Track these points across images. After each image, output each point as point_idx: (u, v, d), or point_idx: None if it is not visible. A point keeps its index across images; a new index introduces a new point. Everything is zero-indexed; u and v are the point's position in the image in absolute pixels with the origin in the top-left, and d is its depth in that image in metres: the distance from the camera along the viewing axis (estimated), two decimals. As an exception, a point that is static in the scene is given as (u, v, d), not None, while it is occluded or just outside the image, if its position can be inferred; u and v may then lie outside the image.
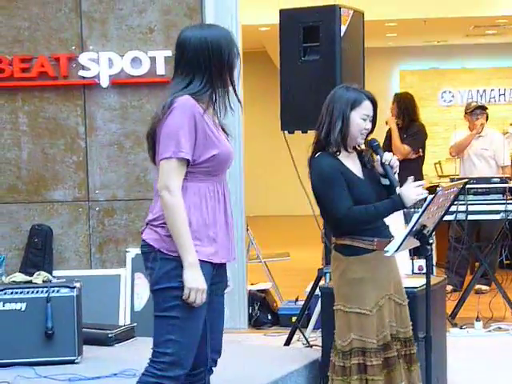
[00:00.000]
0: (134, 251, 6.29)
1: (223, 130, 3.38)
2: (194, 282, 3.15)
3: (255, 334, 6.42)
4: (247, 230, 6.99)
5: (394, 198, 3.92)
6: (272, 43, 6.94)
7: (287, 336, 5.75)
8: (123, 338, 5.56)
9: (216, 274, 3.33)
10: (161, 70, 6.29)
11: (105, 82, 6.33)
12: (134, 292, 6.22)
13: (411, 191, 3.89)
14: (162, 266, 3.21)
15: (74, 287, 5.05)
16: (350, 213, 3.89)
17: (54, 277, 5.45)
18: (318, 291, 5.33)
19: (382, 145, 4.16)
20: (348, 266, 3.99)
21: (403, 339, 4.06)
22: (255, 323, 6.61)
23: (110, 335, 5.45)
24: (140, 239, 6.43)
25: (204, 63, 3.29)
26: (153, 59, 6.30)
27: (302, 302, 5.98)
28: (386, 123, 7.83)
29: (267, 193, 15.09)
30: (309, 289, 5.85)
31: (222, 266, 3.39)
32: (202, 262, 3.21)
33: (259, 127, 13.71)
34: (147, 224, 3.35)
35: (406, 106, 7.95)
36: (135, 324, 5.82)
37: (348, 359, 3.97)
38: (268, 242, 8.80)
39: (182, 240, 3.16)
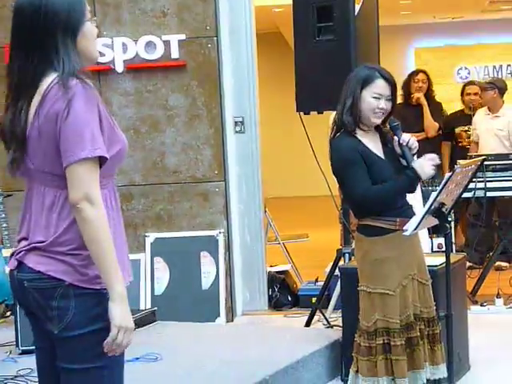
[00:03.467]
0: (152, 236, 6.31)
1: None
2: (123, 319, 2.46)
3: (275, 315, 6.43)
4: (265, 211, 6.99)
5: (408, 173, 3.91)
6: (286, 24, 6.91)
7: (307, 317, 5.76)
8: (144, 322, 5.59)
9: None
10: (175, 53, 6.29)
11: (119, 68, 6.34)
12: (154, 276, 6.24)
13: (425, 164, 3.90)
14: (79, 304, 2.48)
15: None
16: (368, 193, 3.89)
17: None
18: (337, 271, 5.33)
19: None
20: (371, 247, 3.99)
21: (427, 319, 4.05)
22: (275, 305, 6.62)
23: (131, 320, 5.47)
24: (160, 223, 6.44)
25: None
26: (167, 43, 6.29)
27: (322, 283, 5.99)
28: (418, 99, 7.89)
29: (284, 174, 15.05)
30: (328, 269, 5.85)
31: None
32: None
33: (275, 109, 13.66)
34: (35, 248, 2.53)
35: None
36: (155, 308, 5.84)
37: (373, 340, 3.97)
38: (286, 223, 8.79)
39: (109, 264, 2.45)
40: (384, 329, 3.96)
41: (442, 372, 4.07)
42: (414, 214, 3.99)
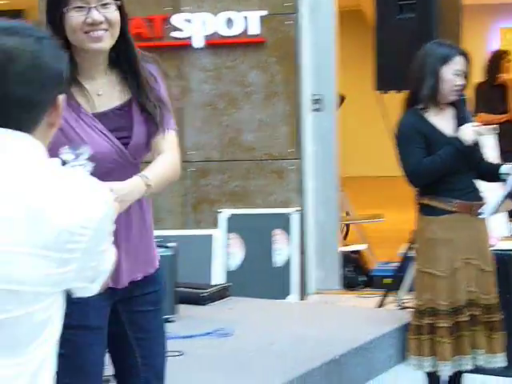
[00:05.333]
0: (227, 212, 6.34)
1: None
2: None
3: (348, 295, 6.41)
4: (341, 190, 6.96)
5: (452, 140, 3.90)
6: (368, 1, 6.83)
7: (380, 298, 5.72)
8: (217, 297, 5.61)
9: (133, 288, 2.63)
10: (254, 29, 6.27)
11: (199, 43, 6.35)
12: (228, 252, 6.28)
13: (467, 130, 3.90)
14: None
15: (170, 247, 5.11)
16: (419, 166, 3.90)
17: (149, 236, 5.52)
18: (412, 253, 5.28)
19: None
20: (426, 226, 4.00)
21: (484, 306, 3.99)
22: (348, 284, 6.59)
23: (203, 294, 5.52)
24: (235, 199, 6.46)
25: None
26: (246, 19, 6.28)
27: (396, 264, 5.94)
28: (505, 83, 7.75)
29: (362, 154, 14.95)
30: (403, 250, 5.80)
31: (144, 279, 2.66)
32: None
33: (354, 87, 13.56)
34: None
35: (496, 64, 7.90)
36: (229, 284, 5.87)
37: (422, 319, 3.98)
38: (362, 203, 8.73)
39: None
40: (431, 309, 3.96)
41: (499, 361, 4.01)
42: (479, 198, 3.95)
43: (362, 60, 9.79)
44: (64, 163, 2.32)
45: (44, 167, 1.66)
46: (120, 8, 2.51)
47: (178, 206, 6.45)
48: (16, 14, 11.07)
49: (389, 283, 5.80)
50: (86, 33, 2.45)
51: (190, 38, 6.34)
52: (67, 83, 1.75)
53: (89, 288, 1.77)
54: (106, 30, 2.47)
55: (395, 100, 5.62)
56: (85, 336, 2.48)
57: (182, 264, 5.48)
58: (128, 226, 2.56)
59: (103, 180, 2.35)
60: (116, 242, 2.34)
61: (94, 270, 1.73)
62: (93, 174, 2.33)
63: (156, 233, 6.39)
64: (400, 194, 8.48)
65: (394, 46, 5.32)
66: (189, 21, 6.32)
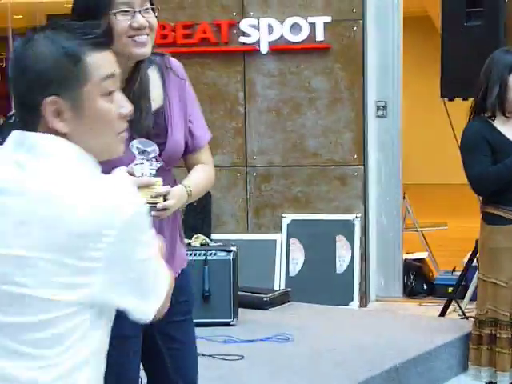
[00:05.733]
0: (289, 217, 6.35)
1: None
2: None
3: (410, 303, 6.37)
4: (404, 198, 6.91)
5: None
6: (435, 7, 6.78)
7: (442, 307, 5.67)
8: (278, 302, 5.63)
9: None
10: (320, 35, 6.27)
11: (264, 49, 6.37)
12: (290, 257, 6.28)
13: None
14: None
15: (231, 251, 5.14)
16: (482, 176, 3.90)
17: (211, 240, 5.56)
18: (475, 262, 5.22)
19: None
20: (489, 235, 3.97)
21: None
22: (410, 292, 6.55)
23: (265, 299, 5.53)
24: (297, 205, 6.49)
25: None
26: (312, 25, 6.28)
27: (459, 273, 5.88)
28: None
29: (425, 161, 14.84)
30: (466, 259, 5.74)
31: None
32: None
33: (419, 94, 13.47)
34: None
35: None
36: (290, 289, 5.88)
37: (483, 328, 3.95)
38: (425, 210, 8.66)
39: None
40: (493, 319, 3.93)
41: None
42: None
43: (428, 67, 9.72)
44: (132, 157, 2.31)
45: (66, 171, 1.62)
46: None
47: (240, 210, 6.48)
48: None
49: (452, 292, 5.75)
50: (129, 37, 2.38)
51: (255, 43, 6.36)
52: (60, 86, 1.66)
53: (141, 309, 1.68)
54: (148, 34, 2.42)
55: (461, 107, 5.58)
56: (122, 345, 2.43)
57: (244, 268, 5.51)
58: (160, 231, 2.48)
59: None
60: None
61: (136, 283, 1.64)
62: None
63: (218, 236, 6.46)
64: (465, 203, 8.40)
65: (460, 53, 5.27)
66: (255, 26, 6.35)
